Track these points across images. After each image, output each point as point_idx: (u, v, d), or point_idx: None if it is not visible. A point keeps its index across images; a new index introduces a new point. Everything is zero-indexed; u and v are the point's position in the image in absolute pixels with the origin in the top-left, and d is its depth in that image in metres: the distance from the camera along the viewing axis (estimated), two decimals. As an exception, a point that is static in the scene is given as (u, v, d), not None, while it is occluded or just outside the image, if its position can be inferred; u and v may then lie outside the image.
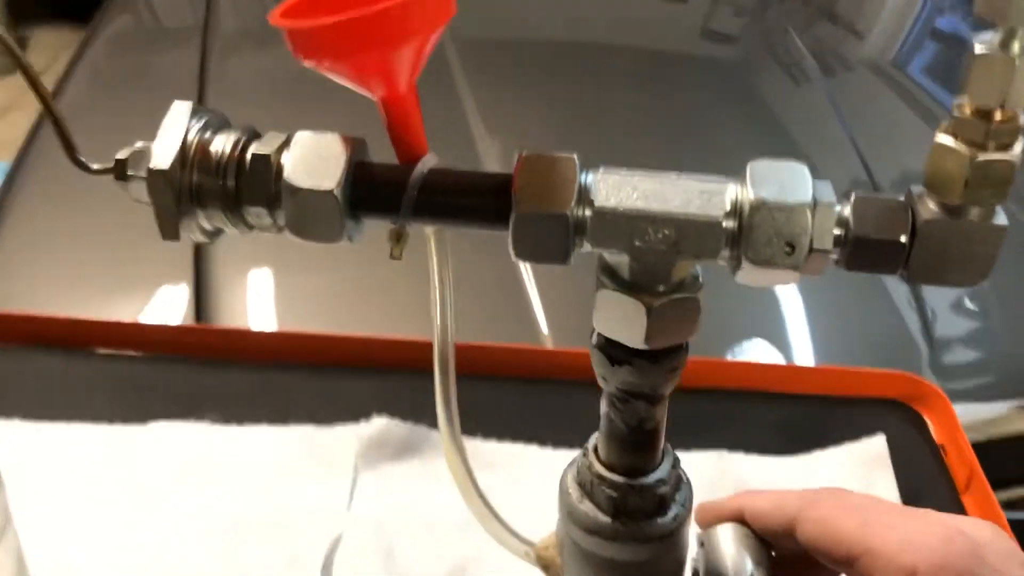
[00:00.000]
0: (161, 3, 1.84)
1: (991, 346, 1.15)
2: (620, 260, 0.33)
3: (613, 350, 0.35)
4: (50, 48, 3.35)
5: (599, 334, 0.35)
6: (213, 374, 0.70)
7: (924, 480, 0.65)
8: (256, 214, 0.34)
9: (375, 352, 0.71)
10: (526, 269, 1.06)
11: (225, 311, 0.99)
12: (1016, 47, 0.28)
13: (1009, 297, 1.17)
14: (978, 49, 0.28)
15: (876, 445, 0.64)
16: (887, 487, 0.62)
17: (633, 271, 0.33)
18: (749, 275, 0.32)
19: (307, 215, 0.33)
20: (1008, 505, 1.11)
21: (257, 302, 1.01)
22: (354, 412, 0.67)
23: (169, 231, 0.34)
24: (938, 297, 1.15)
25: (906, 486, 0.64)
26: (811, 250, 0.31)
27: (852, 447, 0.64)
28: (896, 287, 1.11)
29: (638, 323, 0.33)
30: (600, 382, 0.37)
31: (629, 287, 0.33)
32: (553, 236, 0.32)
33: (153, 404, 0.68)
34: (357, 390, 0.69)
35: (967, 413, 1.03)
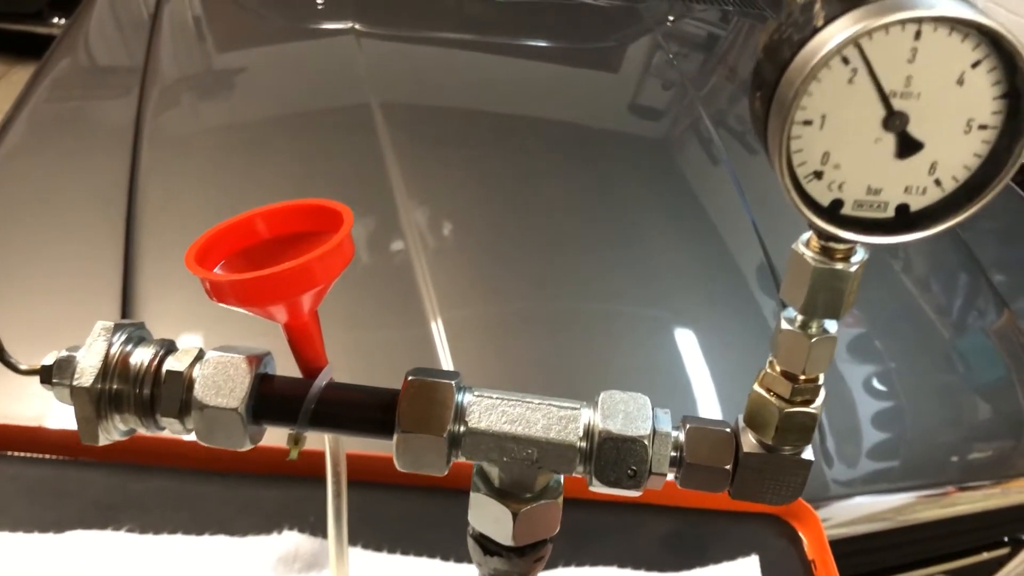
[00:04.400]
0: (103, 49, 1.85)
1: (899, 433, 1.19)
2: (492, 469, 0.38)
3: (486, 542, 0.40)
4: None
5: (474, 527, 0.40)
6: (130, 480, 0.73)
7: (794, 593, 0.71)
8: (168, 422, 0.38)
9: (289, 461, 0.75)
10: (441, 343, 1.09)
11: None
12: (813, 329, 0.34)
13: (911, 387, 1.24)
14: (783, 325, 0.34)
15: (749, 565, 0.70)
16: (757, 605, 0.68)
17: (502, 480, 0.38)
18: (599, 488, 0.37)
19: (214, 427, 0.37)
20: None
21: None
22: (267, 522, 0.71)
23: (90, 436, 0.37)
24: (846, 390, 1.20)
25: (778, 598, 0.70)
26: (651, 472, 0.37)
27: (728, 566, 0.70)
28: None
29: (506, 525, 0.38)
30: (476, 566, 0.41)
31: (499, 493, 0.38)
32: (432, 452, 0.37)
33: (70, 510, 0.70)
34: (270, 499, 0.73)
35: (875, 504, 1.10)
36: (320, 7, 1.83)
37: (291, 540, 0.69)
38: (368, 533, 0.70)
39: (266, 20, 1.89)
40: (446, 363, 1.05)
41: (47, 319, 1.05)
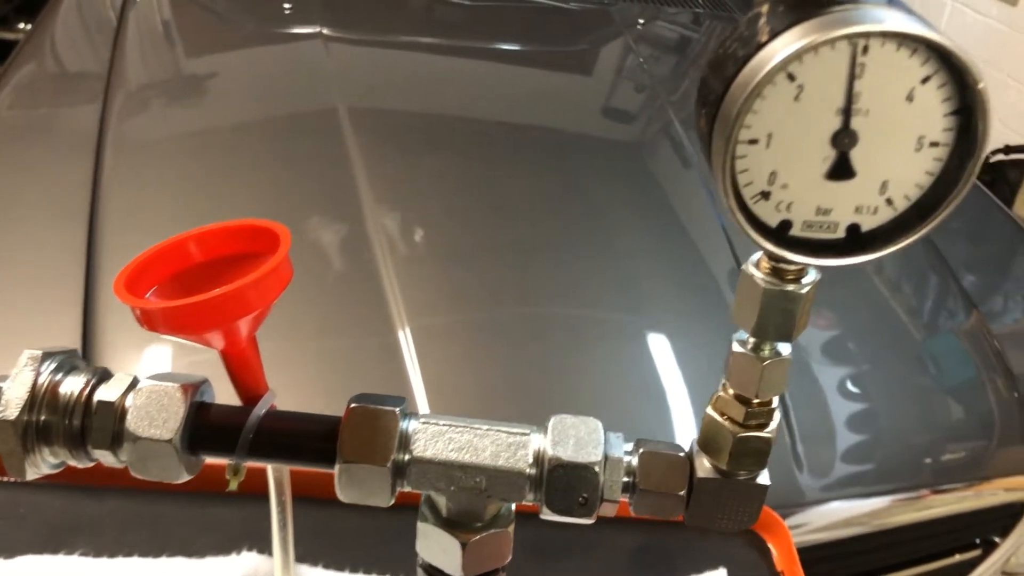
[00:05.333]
0: (67, 54, 1.82)
1: (873, 436, 1.19)
2: (440, 498, 0.37)
3: (435, 573, 0.39)
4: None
5: (422, 557, 0.39)
6: (84, 501, 0.71)
7: (764, 605, 0.70)
8: (100, 454, 0.36)
9: (248, 478, 0.73)
10: (408, 352, 1.07)
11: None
12: (765, 351, 0.32)
13: (883, 389, 1.23)
14: (735, 348, 0.33)
15: (717, 579, 0.69)
16: (725, 619, 0.67)
17: (450, 510, 0.37)
18: (551, 516, 0.36)
19: (148, 459, 0.35)
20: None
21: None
22: (227, 542, 0.69)
23: (16, 471, 0.36)
24: (819, 392, 1.20)
25: (747, 611, 0.69)
26: (603, 499, 0.35)
27: (696, 580, 0.69)
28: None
29: (455, 555, 0.37)
30: (426, 596, 0.40)
31: (447, 523, 0.37)
32: (375, 483, 0.35)
33: (21, 534, 0.68)
34: (230, 518, 0.71)
35: (852, 508, 1.10)
36: (287, 12, 1.81)
37: (251, 561, 0.67)
38: (329, 551, 0.69)
39: (232, 24, 1.87)
40: (414, 372, 1.03)
41: (4, 335, 1.02)
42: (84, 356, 1.00)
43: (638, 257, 1.35)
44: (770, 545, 0.74)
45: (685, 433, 1.07)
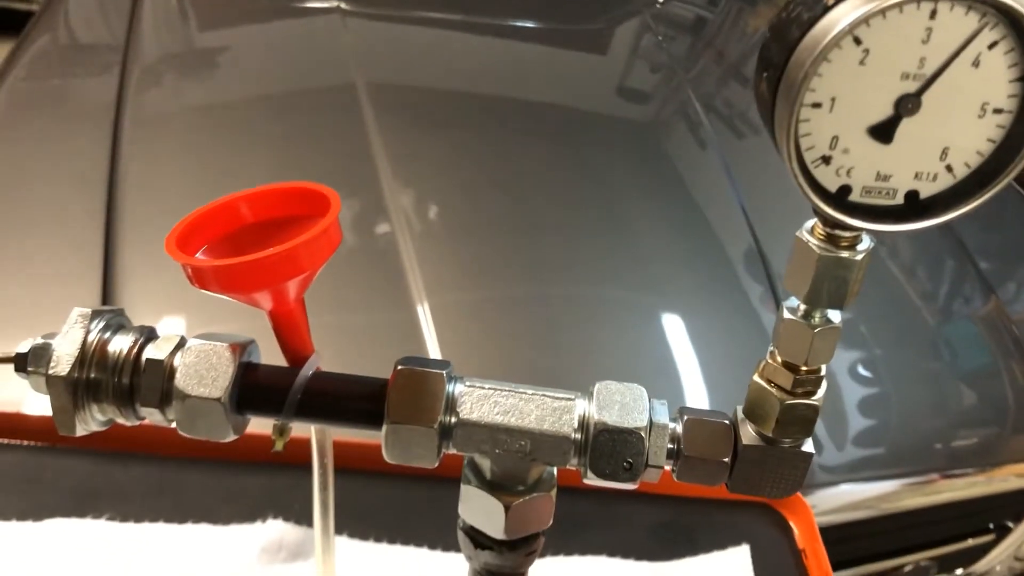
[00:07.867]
0: (84, 24, 1.81)
1: (884, 420, 1.19)
2: (483, 461, 0.37)
3: (477, 536, 0.39)
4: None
5: (464, 520, 0.39)
6: (110, 467, 0.72)
7: (784, 581, 0.70)
8: (148, 412, 0.36)
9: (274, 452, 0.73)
10: (428, 327, 1.07)
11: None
12: (816, 319, 0.33)
13: (897, 374, 1.23)
14: (786, 315, 0.33)
15: (740, 555, 0.70)
16: (747, 595, 0.67)
17: (494, 472, 0.37)
18: (594, 481, 0.36)
19: (196, 418, 0.36)
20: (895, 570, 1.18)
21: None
22: (251, 511, 0.69)
23: (66, 427, 0.36)
24: (831, 376, 1.19)
25: (767, 587, 0.69)
26: (647, 465, 0.36)
27: (718, 556, 0.69)
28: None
29: (498, 518, 0.37)
30: (466, 559, 0.40)
31: (490, 486, 0.37)
32: (422, 444, 0.36)
33: (48, 498, 0.69)
34: (255, 487, 0.71)
35: (860, 491, 1.10)
36: (305, -15, 1.81)
37: (276, 529, 0.68)
38: (354, 523, 0.69)
39: (250, -2, 1.86)
40: (432, 347, 1.04)
41: (25, 304, 1.03)
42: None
43: (654, 235, 1.35)
44: (791, 523, 0.74)
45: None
